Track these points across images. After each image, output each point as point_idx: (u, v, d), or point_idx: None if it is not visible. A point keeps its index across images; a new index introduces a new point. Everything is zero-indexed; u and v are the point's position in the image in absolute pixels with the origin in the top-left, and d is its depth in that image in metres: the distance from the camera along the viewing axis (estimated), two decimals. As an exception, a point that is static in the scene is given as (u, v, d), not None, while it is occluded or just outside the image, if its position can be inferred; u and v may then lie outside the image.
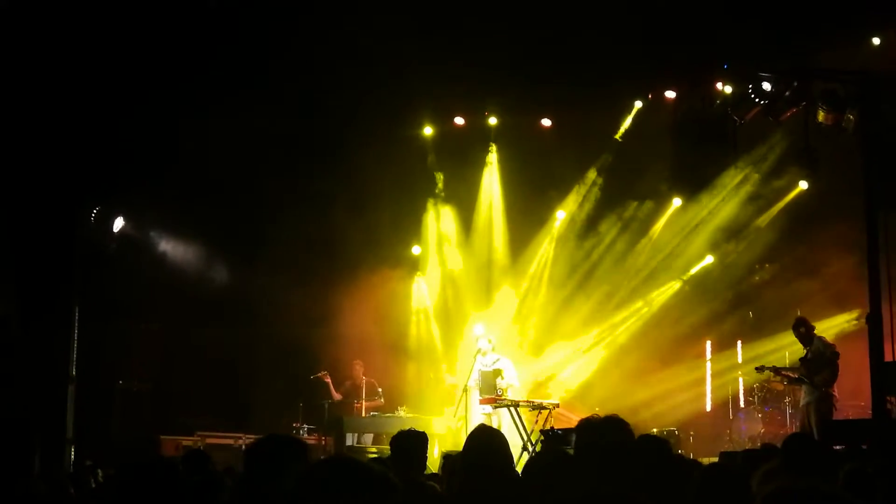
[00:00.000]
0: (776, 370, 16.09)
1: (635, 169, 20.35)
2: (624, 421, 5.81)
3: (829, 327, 17.35)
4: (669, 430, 17.75)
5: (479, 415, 16.35)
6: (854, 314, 17.28)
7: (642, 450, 5.68)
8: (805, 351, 15.56)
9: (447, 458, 7.86)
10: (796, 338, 15.78)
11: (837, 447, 11.88)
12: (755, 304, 19.91)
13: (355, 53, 17.08)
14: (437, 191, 20.99)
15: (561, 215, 20.87)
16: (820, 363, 15.15)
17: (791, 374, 15.93)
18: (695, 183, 20.16)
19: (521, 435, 15.41)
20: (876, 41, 16.13)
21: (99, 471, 11.02)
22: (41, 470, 8.82)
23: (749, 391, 18.89)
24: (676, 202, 20.39)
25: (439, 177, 20.91)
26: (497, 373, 16.40)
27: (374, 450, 16.09)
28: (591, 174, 20.56)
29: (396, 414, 17.89)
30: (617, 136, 20.09)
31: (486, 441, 5.96)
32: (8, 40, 15.34)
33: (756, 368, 16.53)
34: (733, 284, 20.14)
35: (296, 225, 18.66)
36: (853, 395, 16.20)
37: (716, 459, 11.31)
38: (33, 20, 15.59)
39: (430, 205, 21.15)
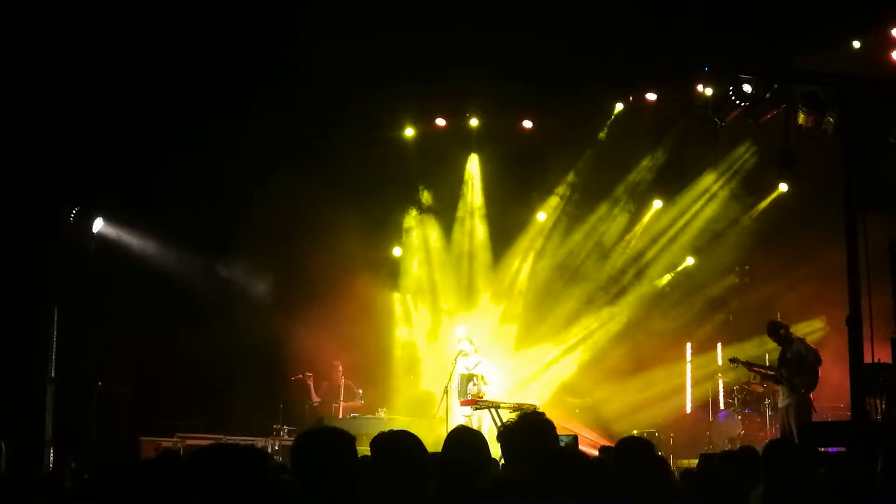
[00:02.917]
0: (749, 365, 16.15)
1: (616, 170, 20.40)
2: (538, 413, 5.80)
3: (812, 331, 17.42)
4: (650, 431, 17.82)
5: (460, 416, 16.33)
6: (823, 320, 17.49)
7: (625, 451, 5.68)
8: (783, 351, 15.59)
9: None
10: (773, 341, 15.83)
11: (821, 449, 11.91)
12: (735, 307, 19.96)
13: (337, 54, 17.03)
14: (419, 197, 20.99)
15: (542, 217, 20.87)
16: (801, 365, 15.18)
17: (764, 371, 15.99)
18: (675, 185, 20.22)
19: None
20: (856, 44, 16.19)
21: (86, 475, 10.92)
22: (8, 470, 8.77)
23: (729, 393, 18.90)
24: (657, 204, 20.42)
25: (425, 193, 20.91)
26: (471, 377, 16.40)
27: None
28: (573, 175, 20.57)
29: (377, 415, 17.85)
30: (598, 138, 20.11)
31: (465, 441, 5.87)
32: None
33: (730, 360, 16.68)
34: (714, 287, 20.18)
35: (276, 226, 18.60)
36: (832, 398, 16.26)
37: (695, 461, 11.33)
38: (13, 22, 15.52)
39: (411, 207, 21.12)
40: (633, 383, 19.55)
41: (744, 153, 19.51)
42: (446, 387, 16.59)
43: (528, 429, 5.66)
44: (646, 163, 20.19)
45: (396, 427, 8.83)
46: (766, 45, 16.18)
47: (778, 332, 15.70)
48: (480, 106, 20.04)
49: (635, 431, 16.79)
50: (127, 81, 16.79)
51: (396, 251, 21.29)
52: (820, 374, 15.18)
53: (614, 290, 20.68)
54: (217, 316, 19.11)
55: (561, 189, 20.69)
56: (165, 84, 17.01)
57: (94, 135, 17.16)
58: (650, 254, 20.59)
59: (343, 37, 16.85)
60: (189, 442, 16.79)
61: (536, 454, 5.23)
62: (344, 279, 19.24)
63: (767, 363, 16.81)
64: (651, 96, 18.98)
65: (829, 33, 15.81)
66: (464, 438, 5.91)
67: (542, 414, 5.81)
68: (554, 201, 20.77)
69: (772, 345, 16.23)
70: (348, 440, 4.94)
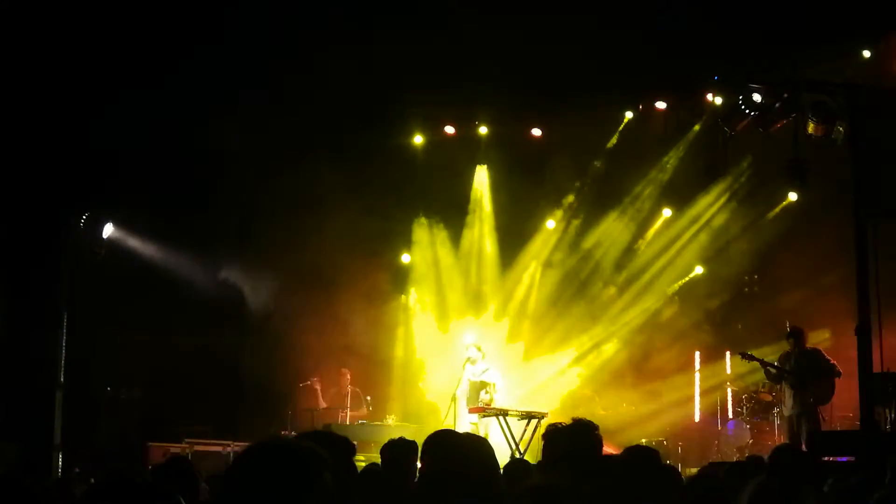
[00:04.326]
0: (762, 362, 15.99)
1: (626, 179, 20.39)
2: (591, 423, 5.75)
3: (820, 340, 17.36)
4: (658, 440, 17.77)
5: (467, 424, 16.29)
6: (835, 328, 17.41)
7: (632, 460, 5.67)
8: (797, 358, 15.55)
9: None
10: (791, 346, 15.76)
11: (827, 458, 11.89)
12: (744, 316, 19.93)
13: (346, 59, 17.07)
14: (428, 204, 20.98)
15: (551, 225, 20.86)
16: (817, 373, 15.15)
17: (774, 371, 15.86)
18: (685, 193, 20.21)
19: (509, 445, 15.37)
20: (866, 54, 16.19)
21: (92, 479, 10.95)
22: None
23: (737, 402, 18.86)
24: (666, 212, 20.42)
25: (433, 200, 20.91)
26: (483, 385, 16.37)
27: (361, 458, 16.00)
28: (582, 184, 20.56)
29: (385, 422, 17.84)
30: (608, 147, 20.11)
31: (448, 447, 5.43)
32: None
33: (740, 354, 16.49)
34: (722, 295, 20.15)
35: (285, 231, 18.62)
36: (840, 407, 16.21)
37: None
38: (25, 22, 15.59)
39: (420, 214, 21.10)
40: (641, 392, 19.53)
41: (754, 162, 19.49)
42: (454, 394, 16.57)
43: (577, 434, 5.61)
44: (655, 171, 20.19)
45: (405, 434, 8.87)
46: (775, 55, 16.19)
47: (794, 338, 15.67)
48: (489, 114, 20.05)
49: (643, 440, 16.74)
50: (137, 85, 16.83)
51: (405, 258, 21.28)
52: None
53: (623, 298, 20.66)
54: (225, 321, 19.14)
55: (570, 197, 20.69)
56: (179, 89, 17.06)
57: (104, 140, 17.20)
58: (659, 262, 20.56)
59: (352, 43, 16.89)
60: (197, 448, 16.81)
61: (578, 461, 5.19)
62: (352, 285, 19.23)
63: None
64: (661, 105, 18.99)
65: (838, 42, 15.82)
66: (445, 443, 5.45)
67: (596, 427, 5.74)
68: (563, 209, 20.76)
69: (780, 353, 16.19)
70: (346, 445, 4.94)
